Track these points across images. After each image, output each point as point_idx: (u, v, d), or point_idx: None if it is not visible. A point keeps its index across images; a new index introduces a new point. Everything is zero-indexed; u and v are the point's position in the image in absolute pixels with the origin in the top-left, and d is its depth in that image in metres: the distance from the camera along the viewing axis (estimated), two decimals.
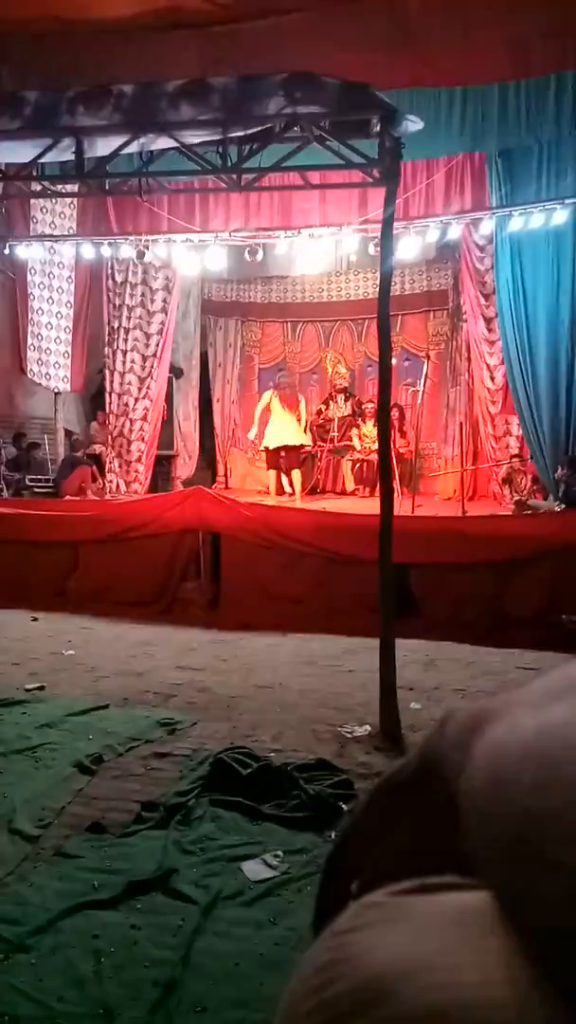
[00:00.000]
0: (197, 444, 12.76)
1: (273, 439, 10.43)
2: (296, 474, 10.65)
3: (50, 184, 8.99)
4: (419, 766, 0.53)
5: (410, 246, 9.73)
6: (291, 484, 10.73)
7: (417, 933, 0.41)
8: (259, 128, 7.59)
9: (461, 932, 0.40)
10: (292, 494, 11.31)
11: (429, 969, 0.38)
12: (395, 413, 9.89)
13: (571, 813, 0.37)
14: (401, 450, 10.59)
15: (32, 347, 10.74)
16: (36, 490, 10.48)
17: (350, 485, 11.59)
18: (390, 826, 0.57)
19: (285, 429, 10.38)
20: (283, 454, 10.48)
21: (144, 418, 10.98)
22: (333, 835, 3.32)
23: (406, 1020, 0.37)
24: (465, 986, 0.37)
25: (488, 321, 10.01)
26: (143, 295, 10.99)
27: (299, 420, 10.51)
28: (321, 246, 10.32)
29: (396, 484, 8.93)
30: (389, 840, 0.56)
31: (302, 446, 10.56)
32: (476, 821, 0.43)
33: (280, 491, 11.43)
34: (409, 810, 0.54)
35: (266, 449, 10.59)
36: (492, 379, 10.15)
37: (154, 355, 11.00)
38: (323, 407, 12.45)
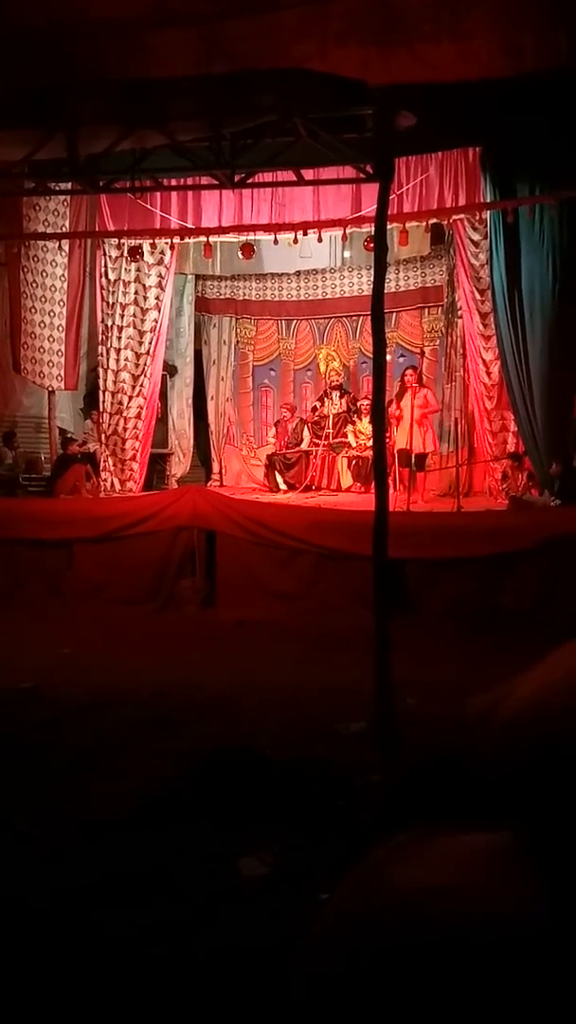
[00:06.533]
0: (191, 442, 12.74)
1: None
2: None
3: (43, 181, 8.98)
4: (440, 754, 0.56)
5: (404, 242, 9.74)
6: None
7: (444, 864, 0.43)
8: (252, 124, 7.58)
9: (484, 864, 0.43)
10: (286, 491, 11.34)
11: (454, 893, 0.40)
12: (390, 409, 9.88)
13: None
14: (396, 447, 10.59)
15: (25, 345, 10.69)
16: (30, 489, 10.45)
17: (346, 482, 11.60)
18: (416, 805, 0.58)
19: None
20: None
21: (138, 416, 10.95)
22: (332, 829, 3.31)
23: (432, 936, 0.38)
24: (488, 907, 0.39)
25: (483, 316, 10.00)
26: (136, 293, 10.96)
27: None
28: (315, 243, 10.31)
29: (393, 480, 8.96)
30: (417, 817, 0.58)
31: None
32: (504, 757, 0.45)
33: (271, 489, 11.58)
34: (433, 792, 0.56)
35: None
36: (488, 375, 10.15)
37: (148, 353, 10.97)
38: (318, 404, 12.45)
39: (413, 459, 9.91)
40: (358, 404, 12.00)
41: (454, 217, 9.86)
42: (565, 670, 0.47)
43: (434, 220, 10.06)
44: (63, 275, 11.00)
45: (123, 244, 10.64)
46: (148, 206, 10.38)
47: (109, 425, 10.97)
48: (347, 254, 12.16)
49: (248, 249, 10.38)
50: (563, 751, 0.43)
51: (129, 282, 10.91)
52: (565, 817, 0.42)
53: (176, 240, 10.58)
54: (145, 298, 10.97)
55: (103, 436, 11.02)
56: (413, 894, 0.43)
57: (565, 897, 0.40)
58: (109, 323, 10.97)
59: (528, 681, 0.51)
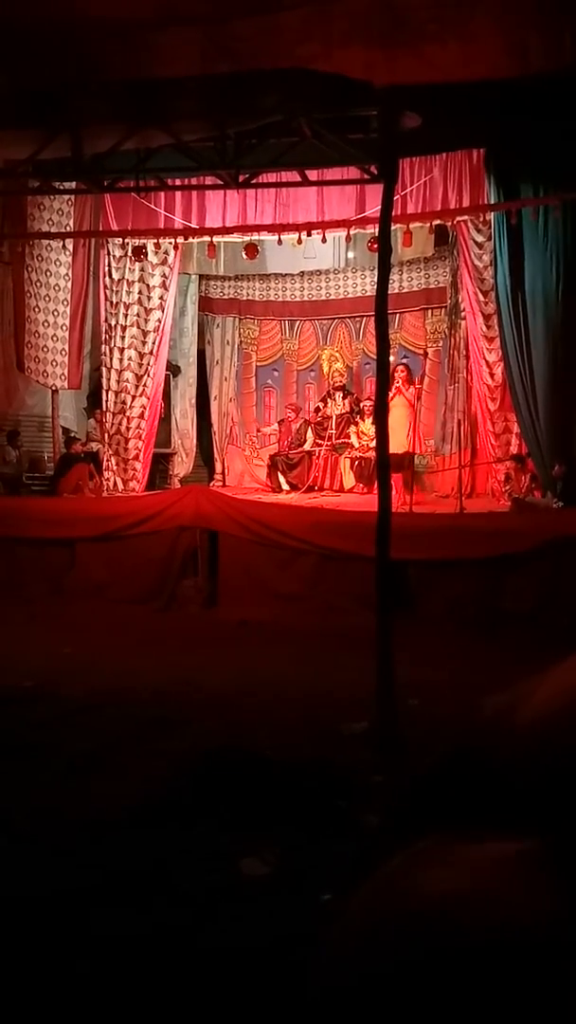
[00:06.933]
0: (194, 442, 12.74)
1: None
2: None
3: (48, 181, 8.99)
4: (455, 755, 0.56)
5: (408, 243, 9.73)
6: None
7: (467, 872, 0.43)
8: (256, 124, 7.59)
9: (508, 871, 0.43)
10: (289, 492, 11.34)
11: (478, 900, 0.40)
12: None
13: None
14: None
15: (29, 344, 10.71)
16: (33, 488, 10.46)
17: (348, 482, 11.60)
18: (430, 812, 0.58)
19: None
20: None
21: (141, 416, 10.96)
22: (330, 830, 3.31)
23: (455, 943, 0.38)
24: (512, 914, 0.39)
25: (487, 318, 9.99)
26: (140, 292, 10.97)
27: None
28: (319, 243, 10.31)
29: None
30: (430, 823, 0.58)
31: None
32: (529, 762, 0.47)
33: (274, 489, 11.58)
34: (447, 795, 0.56)
35: None
36: (491, 376, 10.14)
37: (151, 353, 10.98)
38: (321, 405, 12.45)
39: (404, 461, 9.87)
40: (361, 405, 12.00)
41: (458, 218, 9.85)
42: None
43: (438, 221, 10.06)
44: (67, 274, 11.01)
45: (127, 244, 10.64)
46: (152, 206, 10.38)
47: (112, 424, 10.98)
48: (351, 255, 12.14)
49: (252, 249, 10.37)
50: None
51: (133, 281, 10.92)
52: None
53: (180, 240, 10.58)
54: (149, 298, 10.98)
55: (106, 435, 11.03)
56: (436, 901, 0.43)
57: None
58: (113, 322, 10.98)
59: (548, 685, 0.50)
